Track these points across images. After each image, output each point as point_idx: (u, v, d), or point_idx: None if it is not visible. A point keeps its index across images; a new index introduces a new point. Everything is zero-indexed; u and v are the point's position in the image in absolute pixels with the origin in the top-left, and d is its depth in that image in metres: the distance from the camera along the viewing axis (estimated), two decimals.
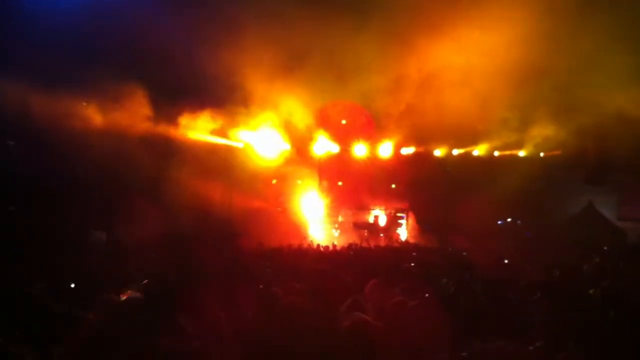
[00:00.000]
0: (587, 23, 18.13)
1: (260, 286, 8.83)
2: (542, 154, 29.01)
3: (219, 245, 18.07)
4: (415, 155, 29.50)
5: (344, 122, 27.38)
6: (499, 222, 30.34)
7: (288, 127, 25.92)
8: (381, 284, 8.65)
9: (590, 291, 9.09)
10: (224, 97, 22.02)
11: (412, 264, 13.99)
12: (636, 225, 27.74)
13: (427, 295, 7.50)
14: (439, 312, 6.46)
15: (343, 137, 28.11)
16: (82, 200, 19.94)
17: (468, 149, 29.60)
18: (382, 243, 25.37)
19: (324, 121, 26.48)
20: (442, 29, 19.68)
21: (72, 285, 9.86)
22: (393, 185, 29.89)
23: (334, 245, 20.53)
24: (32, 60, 17.06)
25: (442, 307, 6.81)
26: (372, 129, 27.53)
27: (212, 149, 24.11)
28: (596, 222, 27.03)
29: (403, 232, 29.91)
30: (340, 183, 29.28)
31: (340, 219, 29.77)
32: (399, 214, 30.40)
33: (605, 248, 19.99)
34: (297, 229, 25.68)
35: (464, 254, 18.30)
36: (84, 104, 20.44)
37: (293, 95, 23.39)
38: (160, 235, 18.00)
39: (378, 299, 7.14)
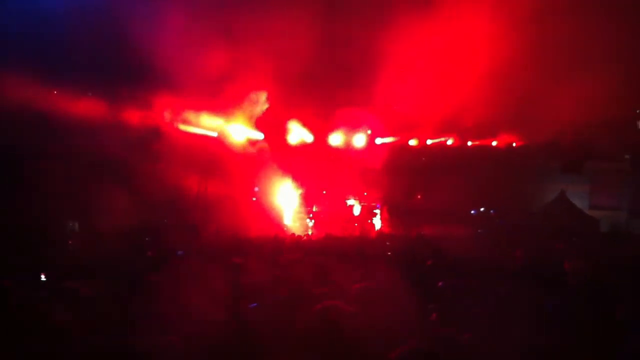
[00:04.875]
0: (562, 20, 18.33)
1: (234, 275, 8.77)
2: (514, 144, 29.33)
3: (193, 235, 17.97)
4: (389, 145, 29.58)
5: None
6: (472, 212, 30.54)
7: (262, 117, 25.91)
8: (355, 271, 8.65)
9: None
10: (198, 86, 21.85)
11: (388, 253, 14.04)
12: (607, 214, 28.17)
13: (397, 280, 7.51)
14: (408, 296, 6.48)
15: (318, 126, 28.14)
16: (56, 190, 19.65)
17: (442, 139, 29.78)
18: (357, 233, 25.41)
19: (299, 111, 26.50)
20: (423, 19, 19.76)
21: (43, 277, 9.73)
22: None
23: (309, 235, 20.50)
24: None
25: (413, 292, 6.83)
26: (348, 119, 27.62)
27: (186, 138, 23.95)
28: (568, 211, 27.31)
29: (377, 222, 29.98)
30: (314, 173, 29.24)
31: (314, 209, 29.75)
32: (373, 204, 30.46)
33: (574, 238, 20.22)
34: (272, 219, 25.61)
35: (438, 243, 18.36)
36: (56, 92, 20.18)
37: (268, 84, 23.33)
38: (133, 225, 17.86)
39: (351, 285, 7.12)
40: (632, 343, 6.08)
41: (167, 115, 23.51)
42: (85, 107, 20.62)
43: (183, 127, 24.27)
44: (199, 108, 24.26)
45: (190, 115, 24.20)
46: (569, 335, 6.08)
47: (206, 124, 25.16)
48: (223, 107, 24.63)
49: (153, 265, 10.38)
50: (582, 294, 8.20)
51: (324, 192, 29.44)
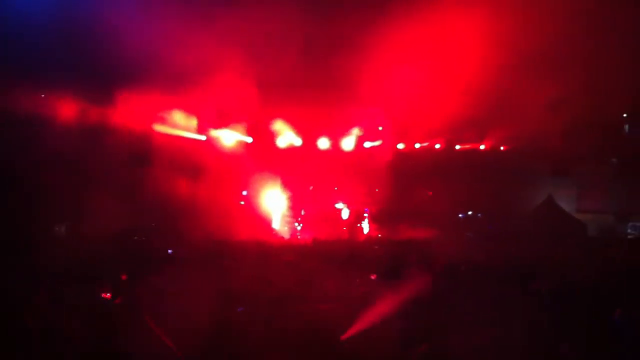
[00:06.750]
0: (548, 24, 18.44)
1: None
2: (502, 148, 29.44)
3: (181, 237, 17.93)
4: (378, 148, 29.61)
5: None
6: (460, 215, 30.53)
7: (251, 121, 25.94)
8: (343, 274, 8.65)
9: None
10: (187, 90, 21.81)
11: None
12: (594, 217, 28.27)
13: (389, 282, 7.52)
14: (396, 299, 6.49)
15: (307, 130, 28.15)
16: (42, 193, 19.49)
17: (431, 142, 29.87)
18: (345, 236, 25.37)
19: (287, 114, 26.53)
20: (409, 24, 19.83)
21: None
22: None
23: (297, 239, 20.45)
24: None
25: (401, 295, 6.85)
26: (337, 123, 27.66)
27: (175, 142, 23.87)
28: (556, 215, 27.38)
29: (366, 226, 29.93)
30: (303, 177, 29.20)
31: (302, 212, 29.66)
32: (362, 208, 30.39)
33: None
34: (260, 222, 25.54)
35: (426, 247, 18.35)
36: (44, 95, 20.07)
37: (257, 87, 23.28)
38: (121, 227, 17.79)
39: (337, 288, 7.14)
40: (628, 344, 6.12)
41: (155, 118, 23.44)
42: (73, 110, 20.50)
43: (170, 130, 24.18)
44: (185, 111, 24.23)
45: (176, 118, 24.13)
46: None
47: (194, 127, 25.12)
48: (210, 109, 24.63)
49: (142, 265, 10.36)
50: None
51: (310, 187, 29.28)
